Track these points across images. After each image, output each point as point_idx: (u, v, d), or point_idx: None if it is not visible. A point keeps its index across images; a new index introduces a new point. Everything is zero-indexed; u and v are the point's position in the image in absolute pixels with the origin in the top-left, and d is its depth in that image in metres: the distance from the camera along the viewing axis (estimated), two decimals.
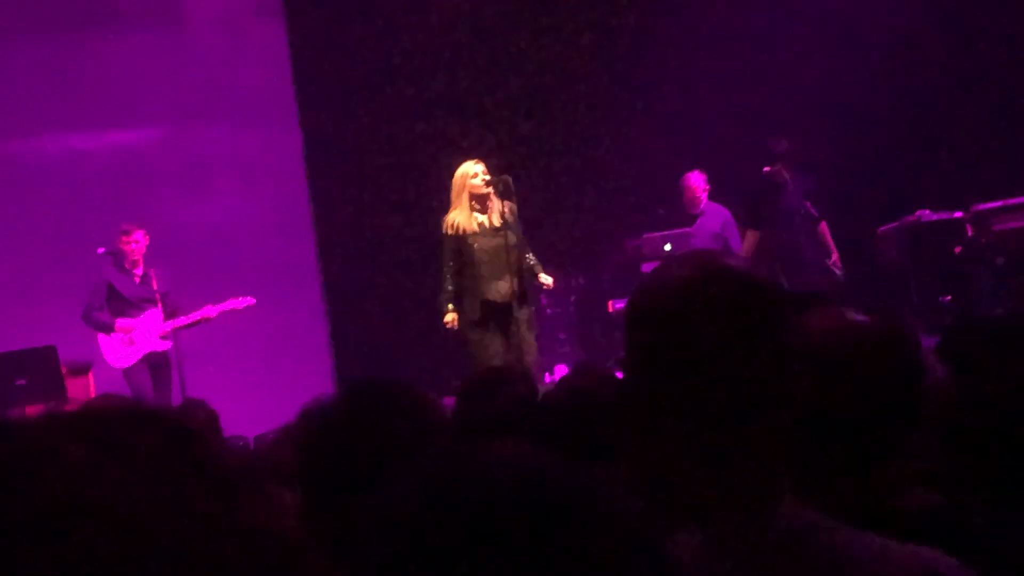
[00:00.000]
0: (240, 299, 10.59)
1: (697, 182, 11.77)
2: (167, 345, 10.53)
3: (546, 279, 9.53)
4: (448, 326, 9.33)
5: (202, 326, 10.59)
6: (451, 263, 9.30)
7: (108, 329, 10.54)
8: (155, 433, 0.81)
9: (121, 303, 10.59)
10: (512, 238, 9.23)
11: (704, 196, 11.76)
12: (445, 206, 9.47)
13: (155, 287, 10.56)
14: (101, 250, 10.61)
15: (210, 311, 10.53)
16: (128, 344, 10.53)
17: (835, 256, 11.64)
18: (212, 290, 10.80)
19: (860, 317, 2.11)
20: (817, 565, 1.64)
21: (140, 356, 10.52)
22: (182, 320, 10.51)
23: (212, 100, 12.72)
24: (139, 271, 10.65)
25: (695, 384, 1.72)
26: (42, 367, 9.92)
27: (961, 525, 1.98)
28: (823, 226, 11.68)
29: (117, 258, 10.65)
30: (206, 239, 12.32)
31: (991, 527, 2.01)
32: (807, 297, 2.40)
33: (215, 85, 12.75)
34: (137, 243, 10.59)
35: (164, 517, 0.75)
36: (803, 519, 1.69)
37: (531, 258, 9.49)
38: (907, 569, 1.65)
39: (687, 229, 11.53)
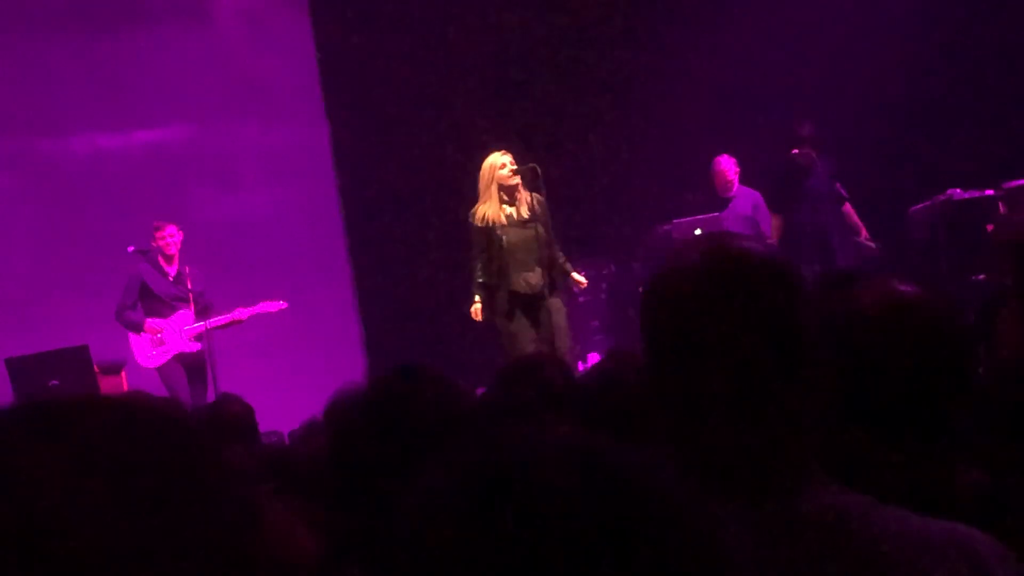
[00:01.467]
0: (273, 302, 10.57)
1: (728, 165, 11.74)
2: (198, 346, 10.50)
3: (580, 279, 9.55)
4: (473, 317, 9.34)
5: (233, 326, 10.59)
6: (481, 255, 9.29)
7: (138, 329, 10.54)
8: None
9: (154, 301, 10.57)
10: (541, 230, 9.22)
11: (735, 179, 11.73)
12: (474, 197, 9.45)
13: (189, 286, 10.55)
14: (131, 248, 10.60)
15: (241, 314, 10.50)
16: (158, 344, 10.52)
17: (864, 233, 11.65)
18: (242, 287, 10.81)
19: (908, 288, 2.08)
20: (854, 544, 1.63)
21: (170, 356, 10.49)
22: (213, 322, 10.48)
23: (239, 96, 12.74)
24: (174, 269, 10.62)
25: (708, 367, 1.71)
26: (75, 367, 9.95)
27: (1008, 505, 1.95)
28: (847, 207, 11.69)
29: (150, 256, 10.63)
30: (235, 235, 12.33)
31: None
32: (847, 274, 2.37)
33: (241, 80, 12.77)
34: (171, 237, 10.57)
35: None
36: (841, 498, 1.67)
37: (561, 256, 9.48)
38: (943, 547, 1.64)
39: (717, 214, 11.50)
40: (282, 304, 10.57)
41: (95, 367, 10.14)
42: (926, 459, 1.98)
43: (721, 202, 11.71)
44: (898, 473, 1.94)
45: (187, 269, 10.60)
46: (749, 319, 1.70)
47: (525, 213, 9.25)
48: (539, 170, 9.33)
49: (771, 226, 11.55)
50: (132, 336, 10.57)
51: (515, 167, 9.24)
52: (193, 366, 10.54)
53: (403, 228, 13.15)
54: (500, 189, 9.22)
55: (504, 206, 9.24)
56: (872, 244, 11.61)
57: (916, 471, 1.96)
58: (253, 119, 12.84)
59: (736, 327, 1.69)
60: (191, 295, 10.52)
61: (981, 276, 11.06)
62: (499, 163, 9.26)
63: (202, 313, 10.47)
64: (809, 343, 1.72)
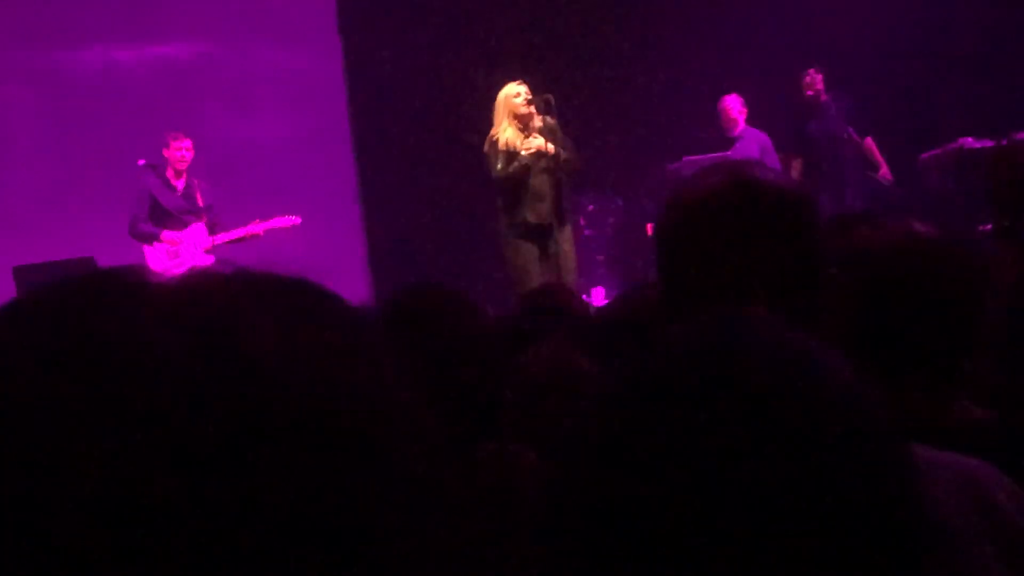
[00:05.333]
0: (287, 218, 10.52)
1: (733, 104, 11.72)
2: (210, 260, 10.48)
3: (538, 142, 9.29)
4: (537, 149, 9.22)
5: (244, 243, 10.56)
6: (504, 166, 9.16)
7: (153, 239, 10.50)
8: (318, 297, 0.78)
9: (164, 216, 10.53)
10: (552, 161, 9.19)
11: (741, 119, 11.71)
12: (487, 123, 9.44)
13: (199, 200, 10.53)
14: (142, 162, 10.58)
15: (257, 227, 10.46)
16: (173, 256, 10.51)
17: (884, 169, 11.67)
18: (250, 207, 10.77)
19: (925, 228, 2.09)
20: None
21: (184, 270, 10.49)
22: (229, 235, 10.47)
23: (254, 16, 12.66)
24: (182, 183, 10.60)
25: (726, 291, 1.71)
26: None
27: (1012, 441, 1.96)
28: (868, 142, 11.69)
29: (159, 170, 10.60)
30: (245, 156, 12.28)
31: None
32: (858, 215, 2.38)
33: (257, 1, 12.68)
34: (187, 151, 10.53)
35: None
36: None
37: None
38: (947, 476, 1.64)
39: (726, 152, 11.46)
40: (296, 220, 10.52)
41: None
42: (929, 394, 2.00)
43: (727, 141, 11.68)
44: (900, 406, 1.96)
45: (196, 182, 10.58)
46: (768, 244, 1.71)
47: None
48: (552, 100, 9.30)
49: (790, 168, 11.55)
50: (147, 250, 10.54)
51: (529, 96, 9.24)
52: None
53: (414, 153, 13.11)
54: (514, 118, 9.22)
55: (519, 134, 9.23)
56: (889, 178, 11.64)
57: (918, 405, 1.98)
58: (267, 41, 12.77)
59: (755, 251, 1.70)
60: (202, 209, 10.52)
61: (988, 226, 11.03)
62: (514, 92, 9.27)
63: (212, 229, 10.46)
64: (826, 271, 1.73)
